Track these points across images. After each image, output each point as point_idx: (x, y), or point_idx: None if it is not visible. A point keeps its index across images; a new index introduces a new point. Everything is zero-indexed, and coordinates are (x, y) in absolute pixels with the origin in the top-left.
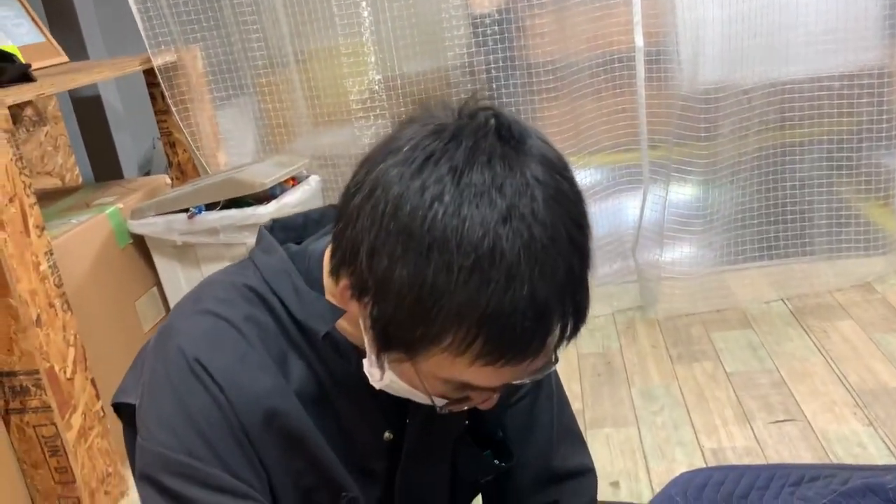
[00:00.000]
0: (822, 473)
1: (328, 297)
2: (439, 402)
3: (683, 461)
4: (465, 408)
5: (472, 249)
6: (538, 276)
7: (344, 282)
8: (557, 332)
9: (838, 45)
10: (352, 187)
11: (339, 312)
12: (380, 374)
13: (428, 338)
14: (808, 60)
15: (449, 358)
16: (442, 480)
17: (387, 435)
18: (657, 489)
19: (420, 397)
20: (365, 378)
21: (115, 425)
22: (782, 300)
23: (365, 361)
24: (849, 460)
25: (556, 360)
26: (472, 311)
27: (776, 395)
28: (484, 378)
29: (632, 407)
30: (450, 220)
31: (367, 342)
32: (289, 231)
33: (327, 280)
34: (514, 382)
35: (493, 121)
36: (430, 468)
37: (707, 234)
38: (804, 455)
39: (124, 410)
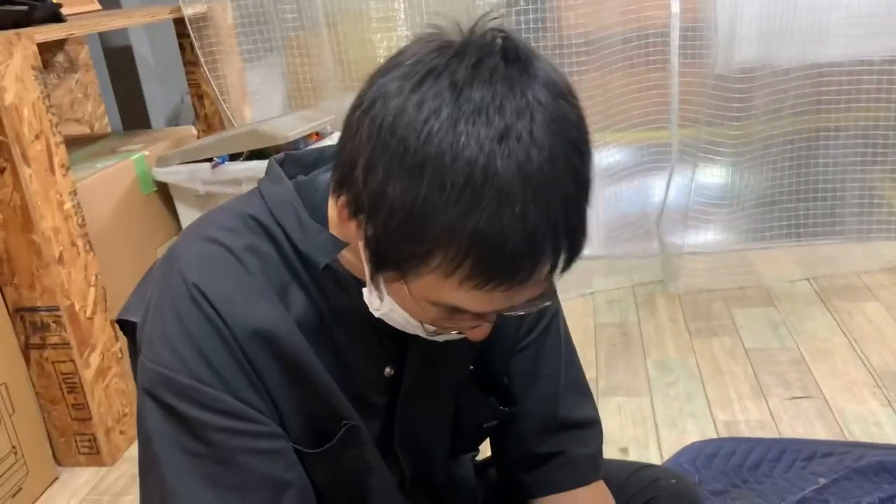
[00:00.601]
0: (835, 450)
1: (332, 228)
2: (430, 328)
3: (695, 431)
4: (455, 335)
5: (465, 167)
6: (531, 199)
7: (343, 199)
8: (549, 261)
9: (881, 28)
10: (356, 102)
11: (340, 244)
12: (378, 301)
13: (418, 256)
14: (848, 42)
15: (438, 279)
16: (443, 422)
17: (387, 370)
18: (666, 457)
19: (415, 326)
20: (366, 312)
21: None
22: (808, 280)
23: (364, 290)
24: (865, 439)
25: (554, 293)
26: (462, 230)
27: (794, 372)
28: (473, 302)
29: (646, 378)
30: (445, 135)
31: (365, 262)
32: (301, 166)
33: (331, 201)
34: (508, 314)
35: (500, 41)
36: (430, 407)
37: (733, 214)
38: (819, 432)
39: (127, 327)
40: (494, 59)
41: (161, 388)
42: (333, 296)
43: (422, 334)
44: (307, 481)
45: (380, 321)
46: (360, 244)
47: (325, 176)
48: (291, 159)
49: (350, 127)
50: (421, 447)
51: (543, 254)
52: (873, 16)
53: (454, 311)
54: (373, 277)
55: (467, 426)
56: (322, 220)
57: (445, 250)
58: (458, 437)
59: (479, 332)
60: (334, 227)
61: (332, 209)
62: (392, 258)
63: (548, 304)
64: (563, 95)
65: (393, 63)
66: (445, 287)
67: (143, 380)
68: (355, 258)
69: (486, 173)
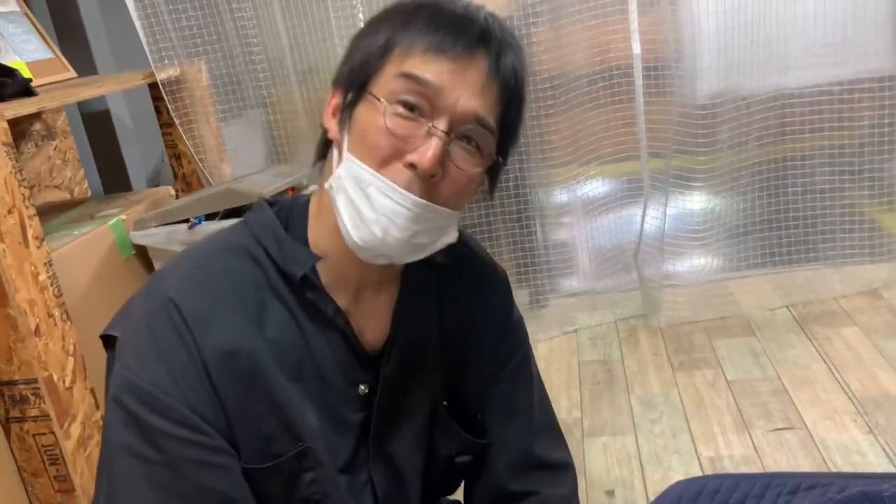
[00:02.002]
0: (819, 482)
1: (311, 243)
2: (392, 108)
3: (680, 470)
4: (410, 159)
5: None
6: (472, 13)
7: (331, 92)
8: (484, 46)
9: (837, 53)
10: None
11: (315, 257)
12: (341, 159)
13: (384, 50)
14: (807, 68)
15: (397, 63)
16: (416, 444)
17: (362, 388)
18: (652, 498)
19: (367, 182)
20: (342, 327)
21: None
22: (786, 307)
23: (329, 181)
24: (847, 468)
25: (493, 128)
26: (416, 22)
27: (776, 402)
28: (422, 66)
29: (630, 415)
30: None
31: (337, 148)
32: (282, 204)
33: (312, 214)
34: (454, 136)
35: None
36: (404, 427)
37: (709, 243)
38: (803, 463)
39: (109, 342)
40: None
41: (125, 393)
42: (311, 309)
43: (369, 216)
44: (253, 501)
45: (356, 338)
46: (336, 137)
47: (302, 199)
48: (279, 202)
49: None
50: (395, 469)
51: (480, 32)
52: (828, 45)
53: (408, 85)
54: (340, 129)
55: (440, 456)
56: (302, 236)
57: (402, 35)
58: (431, 468)
59: (429, 151)
60: (314, 232)
61: (314, 212)
62: (361, 74)
63: (489, 129)
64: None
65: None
66: (402, 64)
67: (112, 387)
68: (333, 264)
69: None
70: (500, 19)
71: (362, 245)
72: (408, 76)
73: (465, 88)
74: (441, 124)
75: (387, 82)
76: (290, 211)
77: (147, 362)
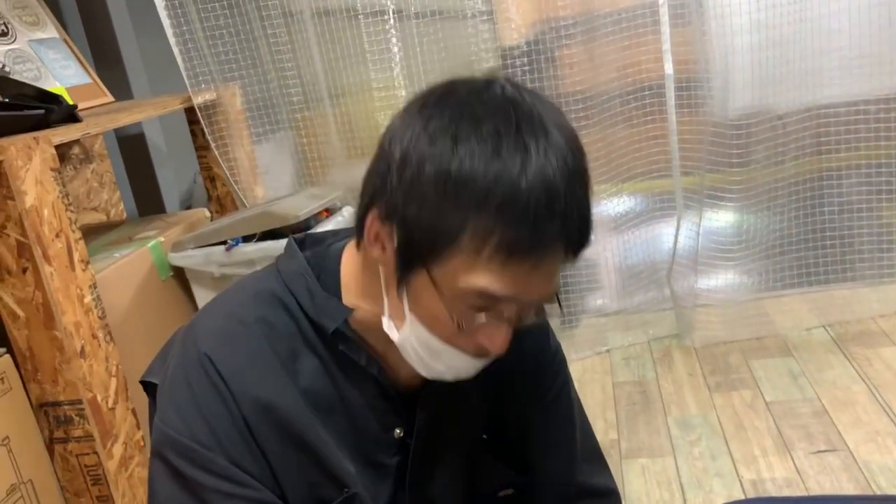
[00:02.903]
0: None
1: (344, 291)
2: (450, 351)
3: (722, 493)
4: (478, 352)
5: (489, 161)
6: (547, 189)
7: (374, 213)
8: (563, 244)
9: (873, 69)
10: (383, 135)
11: (347, 309)
12: (397, 328)
13: (449, 235)
14: (842, 85)
15: (466, 261)
16: (455, 486)
17: (397, 432)
18: None
19: (436, 350)
20: (376, 375)
21: None
22: (823, 327)
23: (384, 320)
24: (891, 491)
25: (560, 306)
26: (488, 211)
27: (817, 424)
28: (498, 281)
29: (668, 436)
30: (469, 136)
31: (386, 289)
32: (317, 244)
33: (345, 265)
34: (524, 315)
35: (501, 75)
36: (442, 471)
37: (744, 261)
38: (846, 486)
39: (149, 388)
40: (501, 82)
41: (166, 448)
42: (344, 360)
43: (439, 367)
44: None
45: (391, 380)
46: (383, 268)
47: (336, 245)
48: (311, 238)
49: (379, 152)
50: None
51: (558, 233)
52: (864, 57)
53: (479, 298)
54: (397, 292)
55: (482, 493)
56: (334, 287)
57: (473, 227)
58: (473, 503)
59: (499, 337)
60: (348, 289)
61: (346, 263)
62: (422, 246)
63: (555, 299)
64: (559, 111)
65: (411, 101)
66: (472, 268)
67: (153, 439)
68: (368, 314)
69: (506, 165)
70: (576, 163)
71: (429, 377)
72: (481, 294)
73: (539, 283)
74: (510, 310)
75: (454, 281)
76: (323, 258)
77: (186, 417)
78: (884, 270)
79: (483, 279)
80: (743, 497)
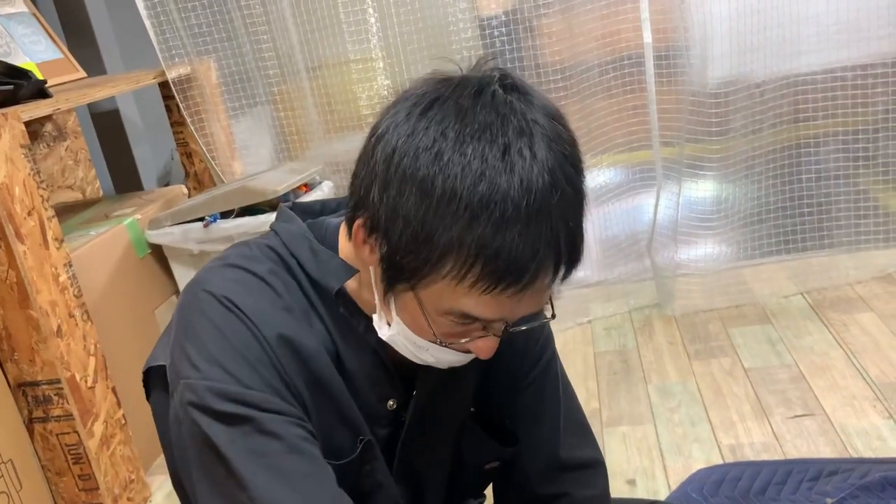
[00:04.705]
0: (840, 468)
1: (343, 258)
2: (435, 351)
3: (700, 458)
4: (462, 355)
5: (472, 181)
6: (534, 209)
7: (359, 221)
8: (552, 265)
9: (850, 36)
10: (369, 133)
11: (352, 270)
12: (387, 326)
13: (430, 263)
14: (820, 52)
15: (449, 286)
16: (441, 458)
17: (391, 403)
18: (674, 486)
19: (422, 348)
20: (374, 345)
21: (137, 432)
22: (801, 294)
23: (374, 316)
24: (868, 454)
25: (553, 312)
26: (470, 238)
27: (795, 389)
28: (482, 308)
29: (648, 404)
30: (452, 153)
31: (375, 287)
32: (308, 213)
33: (342, 242)
34: (513, 329)
35: (497, 74)
36: (431, 443)
37: (723, 231)
38: (823, 450)
39: (154, 375)
40: (494, 86)
41: (215, 400)
42: (344, 324)
43: (428, 360)
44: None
45: (388, 354)
46: (373, 268)
47: (331, 220)
48: (299, 207)
49: (365, 154)
50: (417, 482)
51: (546, 258)
52: (841, 27)
53: (464, 319)
54: (384, 297)
55: (468, 465)
56: (333, 251)
57: (456, 256)
58: (458, 476)
59: (487, 346)
60: (346, 257)
61: (343, 240)
62: (406, 269)
63: (549, 319)
64: (557, 118)
65: (402, 96)
66: (456, 293)
67: (191, 398)
68: (365, 291)
69: (491, 186)
70: (569, 181)
71: (418, 363)
72: (467, 315)
73: (527, 304)
74: (497, 327)
75: (439, 302)
76: (320, 228)
77: (225, 363)
78: (861, 237)
79: (468, 304)
80: (721, 462)
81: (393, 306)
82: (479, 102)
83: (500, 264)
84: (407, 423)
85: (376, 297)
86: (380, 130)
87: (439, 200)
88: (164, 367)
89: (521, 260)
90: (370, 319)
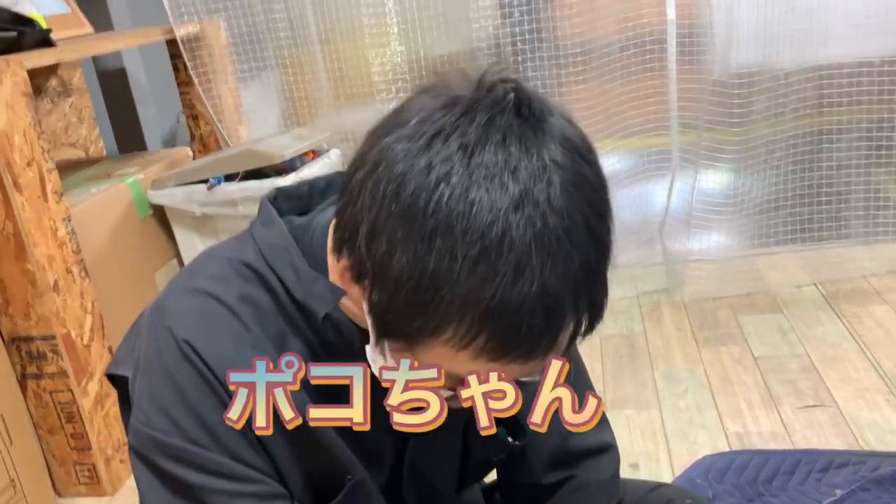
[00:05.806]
0: (850, 460)
1: (331, 274)
2: (445, 394)
3: (706, 444)
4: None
5: (478, 237)
6: (550, 270)
7: (344, 262)
8: (569, 330)
9: (879, 28)
10: (356, 161)
11: (340, 293)
12: (382, 361)
13: (427, 330)
14: (847, 43)
15: (451, 352)
16: (451, 460)
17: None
18: (678, 472)
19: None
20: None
21: None
22: (815, 285)
23: (368, 347)
24: (880, 447)
25: (569, 358)
26: (475, 305)
27: (805, 380)
28: (490, 371)
29: (654, 389)
30: (456, 203)
31: (369, 325)
32: (293, 200)
33: (331, 256)
34: (523, 379)
35: (512, 95)
36: (439, 450)
37: (737, 219)
38: (833, 441)
39: (118, 381)
40: (506, 117)
41: (154, 452)
42: (334, 345)
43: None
44: None
45: None
46: (365, 307)
47: (322, 216)
48: (283, 194)
49: (351, 189)
50: (429, 486)
51: (563, 325)
52: (871, 16)
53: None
54: (377, 342)
55: (476, 460)
56: (320, 264)
57: (457, 325)
58: (466, 471)
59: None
60: (334, 274)
61: (332, 257)
62: (399, 329)
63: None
64: (581, 153)
65: (396, 121)
66: (458, 359)
67: (135, 443)
68: (356, 306)
69: (500, 244)
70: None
71: None
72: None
73: (540, 364)
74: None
75: (437, 362)
76: (305, 231)
77: (174, 416)
78: (878, 229)
79: (468, 370)
80: (727, 449)
81: (387, 351)
82: (489, 139)
83: (509, 335)
84: (412, 437)
85: (371, 333)
86: (368, 165)
87: (438, 261)
88: (126, 378)
89: (533, 330)
90: (365, 332)
